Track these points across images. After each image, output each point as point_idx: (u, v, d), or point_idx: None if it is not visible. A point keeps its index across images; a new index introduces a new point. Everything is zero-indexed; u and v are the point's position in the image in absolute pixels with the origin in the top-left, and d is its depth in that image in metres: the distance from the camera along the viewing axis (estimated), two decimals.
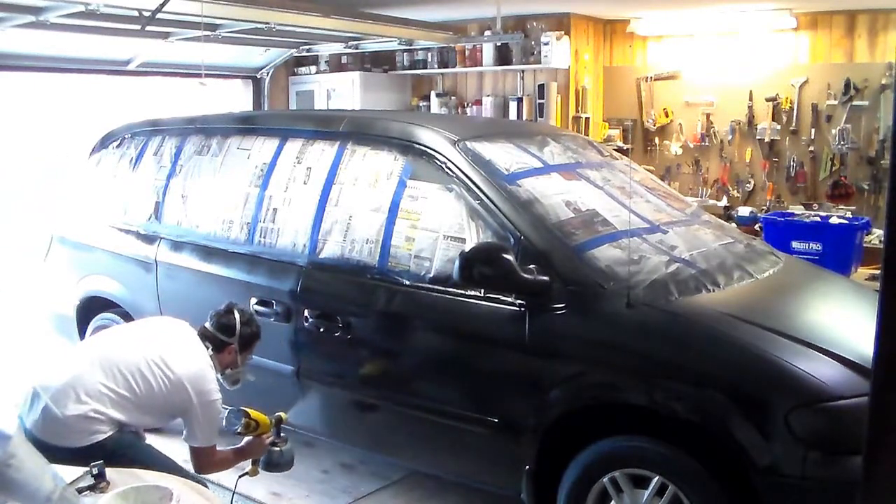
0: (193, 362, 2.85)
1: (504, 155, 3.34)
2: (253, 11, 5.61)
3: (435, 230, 3.16)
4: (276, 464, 3.07)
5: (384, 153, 3.44)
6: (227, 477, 3.15)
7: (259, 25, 6.09)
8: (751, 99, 6.93)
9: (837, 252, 5.33)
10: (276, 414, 3.07)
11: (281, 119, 4.46)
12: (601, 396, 2.81)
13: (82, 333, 4.57)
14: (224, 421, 2.93)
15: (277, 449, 3.05)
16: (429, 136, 3.36)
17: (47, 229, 4.91)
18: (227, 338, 3.03)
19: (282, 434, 3.06)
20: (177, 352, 2.85)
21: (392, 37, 7.17)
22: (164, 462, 2.72)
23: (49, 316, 4.96)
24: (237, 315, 3.07)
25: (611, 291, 2.79)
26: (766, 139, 6.86)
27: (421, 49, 7.87)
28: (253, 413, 2.99)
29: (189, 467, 2.86)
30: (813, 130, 6.67)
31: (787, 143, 6.83)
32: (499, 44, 7.45)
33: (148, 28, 5.53)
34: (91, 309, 4.49)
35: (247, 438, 3.02)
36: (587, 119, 7.52)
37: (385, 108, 7.88)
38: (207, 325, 3.04)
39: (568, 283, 2.85)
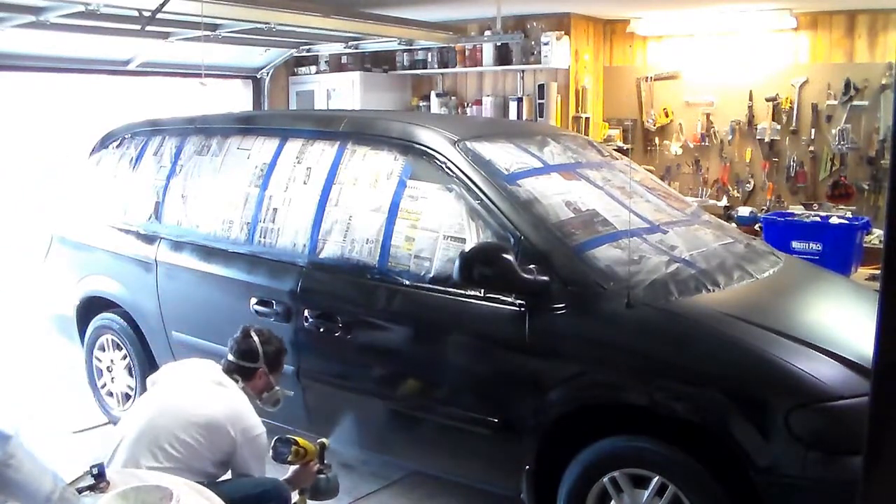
0: (225, 401, 2.75)
1: (504, 155, 3.33)
2: (253, 11, 5.61)
3: (435, 230, 3.16)
4: (323, 491, 2.99)
5: (384, 153, 3.43)
6: None
7: (259, 25, 6.09)
8: (751, 99, 6.93)
9: (837, 252, 5.33)
10: (319, 440, 2.99)
11: (281, 119, 4.45)
12: (601, 396, 2.81)
13: (82, 333, 4.58)
14: (272, 451, 2.86)
15: (324, 476, 2.97)
16: (429, 136, 3.36)
17: (47, 229, 4.91)
18: (253, 363, 2.93)
19: (325, 461, 2.98)
20: (206, 397, 2.74)
21: (392, 37, 7.17)
22: (236, 482, 2.72)
23: (49, 316, 4.96)
24: (255, 337, 2.96)
25: (611, 291, 2.79)
26: (766, 139, 6.86)
27: (421, 49, 7.87)
28: (300, 440, 2.91)
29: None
30: (813, 130, 6.67)
31: (787, 143, 6.82)
32: (499, 44, 7.45)
33: (148, 28, 5.53)
34: (91, 309, 4.50)
35: (294, 467, 2.92)
36: (587, 119, 7.52)
37: (385, 108, 7.88)
38: (230, 356, 2.94)
39: (568, 283, 2.85)
